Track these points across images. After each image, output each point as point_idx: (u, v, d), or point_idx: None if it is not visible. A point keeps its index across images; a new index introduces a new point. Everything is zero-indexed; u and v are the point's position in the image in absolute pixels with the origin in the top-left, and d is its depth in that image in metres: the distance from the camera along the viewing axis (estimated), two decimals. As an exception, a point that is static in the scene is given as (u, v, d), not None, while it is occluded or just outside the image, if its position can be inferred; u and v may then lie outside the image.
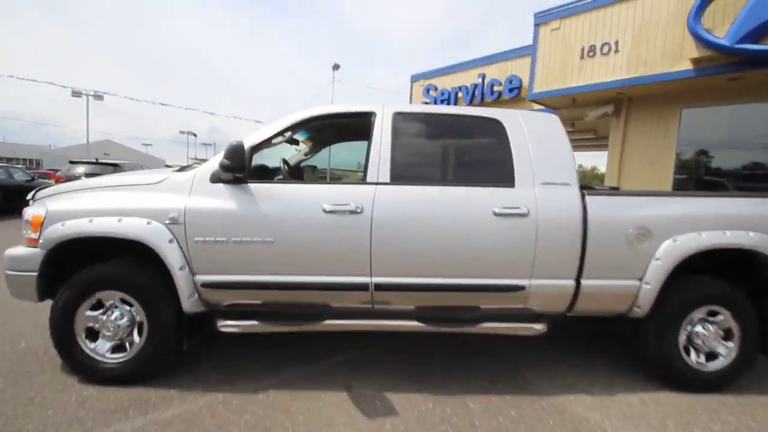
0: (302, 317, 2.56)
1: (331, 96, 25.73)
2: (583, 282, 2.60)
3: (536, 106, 8.94)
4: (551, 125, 2.84)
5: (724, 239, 2.60)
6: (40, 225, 2.40)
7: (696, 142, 7.36)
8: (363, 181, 2.58)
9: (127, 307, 2.47)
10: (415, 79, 14.06)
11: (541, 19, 8.16)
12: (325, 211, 2.44)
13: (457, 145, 2.88)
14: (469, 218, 2.52)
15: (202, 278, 2.44)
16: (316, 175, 4.28)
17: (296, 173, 3.74)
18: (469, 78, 11.81)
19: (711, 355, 2.74)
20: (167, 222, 2.37)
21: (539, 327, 2.65)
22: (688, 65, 6.18)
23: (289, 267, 2.46)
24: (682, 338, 2.71)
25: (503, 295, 2.59)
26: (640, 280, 2.62)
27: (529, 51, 9.53)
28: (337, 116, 2.79)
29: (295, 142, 3.79)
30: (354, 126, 3.12)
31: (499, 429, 2.24)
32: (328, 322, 2.54)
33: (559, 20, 7.84)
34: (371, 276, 2.50)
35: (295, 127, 2.73)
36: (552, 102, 8.52)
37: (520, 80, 10.37)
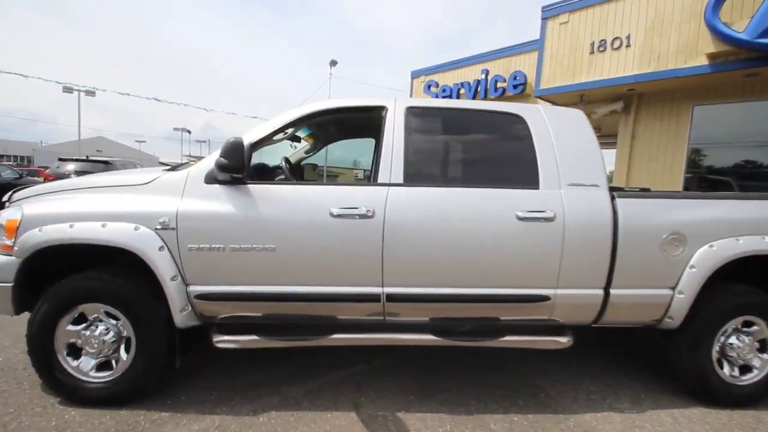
0: (307, 331, 2.33)
1: (329, 93, 25.44)
2: (612, 291, 2.41)
3: (542, 103, 8.72)
4: (576, 121, 2.63)
5: (763, 245, 2.42)
6: (15, 230, 2.16)
7: (708, 140, 7.15)
8: (372, 181, 2.36)
9: (113, 321, 2.23)
10: (415, 75, 13.82)
11: (549, 12, 7.92)
12: (333, 215, 2.21)
13: (476, 143, 2.65)
14: (490, 223, 2.31)
15: (196, 289, 2.20)
16: (317, 174, 4.05)
17: (297, 172, 3.51)
18: (472, 74, 11.58)
19: (745, 368, 2.57)
20: (157, 227, 2.14)
21: (564, 340, 2.47)
22: (703, 60, 5.96)
23: (292, 276, 2.24)
24: (715, 350, 2.54)
25: (527, 305, 2.39)
26: (673, 289, 2.44)
27: (533, 46, 9.31)
28: (345, 111, 2.55)
29: (297, 139, 3.56)
30: (361, 122, 2.90)
31: (526, 457, 2.03)
32: (335, 336, 2.32)
33: (567, 14, 7.60)
34: (383, 286, 2.28)
35: (299, 123, 2.50)
36: (559, 99, 8.30)
37: (525, 76, 10.15)
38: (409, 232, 2.25)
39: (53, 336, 2.19)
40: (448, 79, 12.35)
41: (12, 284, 2.16)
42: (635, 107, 7.80)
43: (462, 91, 11.77)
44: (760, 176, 6.76)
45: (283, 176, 2.85)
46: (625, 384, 2.80)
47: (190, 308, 2.22)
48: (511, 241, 2.30)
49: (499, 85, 10.82)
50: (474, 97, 11.36)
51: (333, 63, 24.77)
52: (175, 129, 52.27)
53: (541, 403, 2.53)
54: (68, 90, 27.97)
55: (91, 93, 28.96)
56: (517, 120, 2.54)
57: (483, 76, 11.20)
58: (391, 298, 2.30)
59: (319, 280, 2.25)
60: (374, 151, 3.85)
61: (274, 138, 2.55)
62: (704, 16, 5.76)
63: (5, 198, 2.42)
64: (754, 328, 2.54)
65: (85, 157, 11.08)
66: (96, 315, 2.22)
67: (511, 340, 2.43)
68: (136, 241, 2.10)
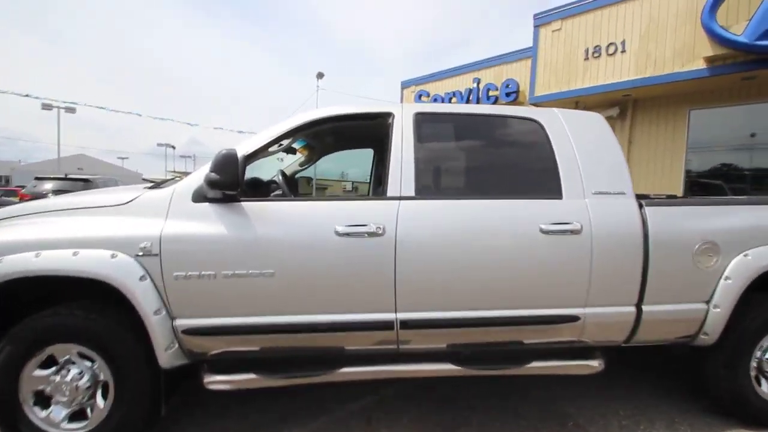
0: (312, 366, 2.07)
1: (316, 105, 25.37)
2: (645, 308, 2.22)
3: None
4: (596, 125, 2.46)
5: (802, 253, 2.25)
6: (-29, 261, 1.87)
7: (706, 144, 7.11)
8: (380, 195, 2.13)
9: (88, 364, 1.93)
10: (406, 85, 13.76)
11: (541, 20, 7.89)
12: (339, 234, 1.97)
13: (490, 151, 2.45)
14: (512, 237, 2.11)
15: (183, 323, 1.93)
16: (311, 188, 3.81)
17: (292, 187, 3.26)
18: (463, 83, 11.54)
19: (781, 385, 2.39)
20: (138, 254, 1.86)
21: (595, 363, 2.29)
22: (701, 64, 5.92)
23: (294, 304, 1.98)
24: (753, 367, 2.37)
25: (554, 327, 2.18)
26: (708, 302, 2.27)
27: (525, 54, 9.29)
28: (347, 119, 2.33)
29: (292, 151, 3.33)
30: (364, 131, 2.68)
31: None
32: (344, 370, 2.06)
33: (560, 21, 7.57)
34: (396, 311, 2.04)
35: (297, 132, 2.26)
36: (554, 105, 8.22)
37: (517, 84, 10.11)
38: (425, 251, 2.02)
39: (18, 383, 1.88)
40: (439, 88, 12.29)
41: (-33, 325, 1.86)
42: (631, 113, 7.76)
43: (454, 100, 11.70)
44: (758, 179, 6.71)
45: (279, 191, 2.61)
46: (656, 406, 2.60)
47: (176, 345, 1.94)
48: (537, 257, 2.10)
49: (491, 93, 10.77)
50: (466, 106, 11.29)
51: (320, 75, 24.75)
52: (159, 145, 51.46)
53: (571, 434, 2.29)
54: (47, 107, 27.26)
55: (71, 110, 28.18)
56: (534, 125, 2.36)
57: (475, 85, 11.15)
58: (406, 324, 2.05)
59: (325, 308, 2.00)
60: (374, 163, 3.64)
61: (270, 149, 2.32)
62: (701, 19, 5.73)
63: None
64: (791, 342, 2.35)
65: (63, 176, 10.53)
66: (68, 357, 1.92)
67: (539, 366, 2.21)
68: (112, 270, 1.82)
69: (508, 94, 10.39)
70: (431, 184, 2.19)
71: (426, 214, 2.08)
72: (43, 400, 1.94)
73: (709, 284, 2.25)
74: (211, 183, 1.89)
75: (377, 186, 3.64)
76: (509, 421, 2.39)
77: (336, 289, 1.99)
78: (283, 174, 2.91)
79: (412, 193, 2.10)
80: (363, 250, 1.98)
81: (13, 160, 58.92)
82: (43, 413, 1.93)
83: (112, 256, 1.84)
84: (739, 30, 5.41)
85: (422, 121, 2.26)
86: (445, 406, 2.55)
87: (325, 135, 3.11)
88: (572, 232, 2.11)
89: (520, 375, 2.73)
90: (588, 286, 2.14)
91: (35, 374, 1.90)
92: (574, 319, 2.15)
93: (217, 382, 1.97)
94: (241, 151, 2.04)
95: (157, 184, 2.26)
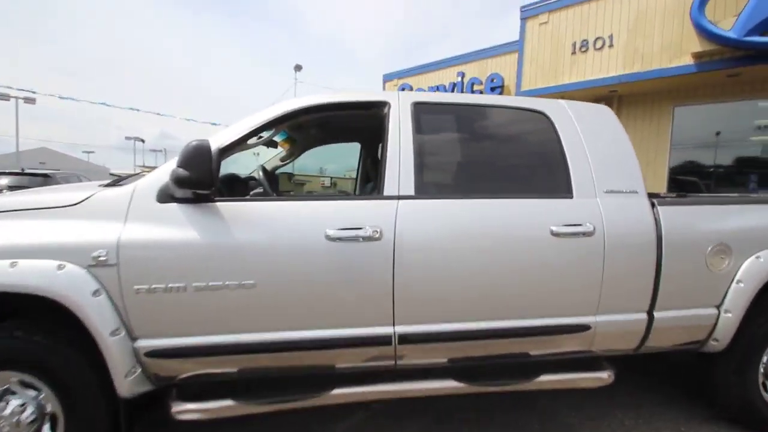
0: (299, 388, 1.82)
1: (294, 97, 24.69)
2: (656, 314, 2.09)
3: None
4: (606, 119, 2.30)
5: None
6: None
7: (689, 141, 7.16)
8: (377, 194, 1.89)
9: (31, 393, 1.63)
10: (388, 78, 13.49)
11: (528, 12, 7.76)
12: (329, 238, 1.72)
13: (496, 145, 2.25)
14: (521, 240, 1.91)
15: (146, 344, 1.65)
16: (293, 185, 3.53)
17: (274, 184, 2.98)
18: (447, 77, 11.36)
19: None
20: (91, 263, 1.57)
21: (605, 375, 2.13)
22: (688, 60, 5.90)
23: (277, 319, 1.73)
24: (760, 373, 2.28)
25: (564, 337, 2.01)
26: (719, 307, 2.16)
27: (510, 48, 9.17)
28: (337, 108, 2.06)
29: (273, 144, 3.04)
30: (355, 122, 2.42)
31: None
32: (336, 391, 1.82)
33: (547, 14, 7.45)
34: (394, 324, 1.82)
35: (279, 122, 1.98)
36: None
37: (502, 78, 9.99)
38: (426, 257, 1.81)
39: (-57, 420, 1.57)
40: (422, 82, 12.07)
41: None
42: (616, 109, 7.74)
43: (438, 94, 11.52)
44: (745, 174, 6.80)
45: (259, 190, 2.33)
46: (660, 414, 2.50)
47: (138, 370, 1.65)
48: (546, 262, 1.92)
49: (476, 87, 10.63)
50: (451, 101, 11.12)
51: (298, 68, 24.17)
52: (128, 138, 48.63)
53: (577, 448, 2.14)
54: (4, 97, 25.31)
55: (30, 100, 25.91)
56: (540, 117, 2.17)
57: (459, 79, 10.99)
58: (405, 338, 1.83)
59: (314, 323, 1.76)
60: (362, 158, 3.39)
61: (248, 142, 2.04)
62: (690, 14, 5.69)
63: None
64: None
65: (20, 170, 9.62)
66: (7, 386, 1.62)
67: (547, 380, 2.04)
68: (59, 284, 1.52)
69: (493, 89, 10.26)
70: (433, 181, 1.97)
71: (427, 215, 1.86)
72: (-23, 438, 1.63)
73: (721, 288, 2.14)
74: (179, 181, 1.61)
75: (365, 183, 3.40)
76: (513, 438, 2.22)
77: (326, 301, 1.75)
78: (264, 170, 2.62)
79: (412, 192, 1.87)
80: (357, 257, 1.75)
81: (-30, 156, 55.34)
82: (-23, 454, 1.62)
83: (59, 267, 1.54)
84: (727, 25, 5.41)
85: (421, 111, 2.03)
86: (440, 420, 2.36)
87: (310, 126, 2.84)
88: (585, 234, 1.94)
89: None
90: (599, 292, 1.98)
91: (-34, 408, 1.59)
92: (585, 328, 1.99)
93: (187, 411, 1.69)
94: (216, 144, 1.76)
95: (116, 182, 1.95)
